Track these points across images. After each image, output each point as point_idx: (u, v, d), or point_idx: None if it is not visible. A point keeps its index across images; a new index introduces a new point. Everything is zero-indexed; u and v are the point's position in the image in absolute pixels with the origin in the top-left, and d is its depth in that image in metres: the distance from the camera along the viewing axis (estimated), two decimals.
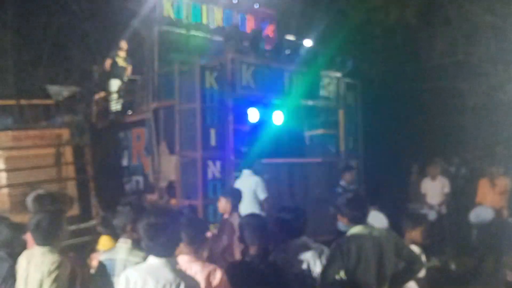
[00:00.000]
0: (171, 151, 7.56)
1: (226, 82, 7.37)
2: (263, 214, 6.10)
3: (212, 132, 7.19)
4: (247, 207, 6.02)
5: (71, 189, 8.14)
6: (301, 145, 9.40)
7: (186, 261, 3.28)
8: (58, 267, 3.26)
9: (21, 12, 14.46)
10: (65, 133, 8.45)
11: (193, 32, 9.64)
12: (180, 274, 2.66)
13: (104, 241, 4.31)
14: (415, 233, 4.16)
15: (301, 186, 8.30)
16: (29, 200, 5.79)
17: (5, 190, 7.74)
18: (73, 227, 5.88)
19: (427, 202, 8.40)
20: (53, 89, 11.37)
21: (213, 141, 7.18)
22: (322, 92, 8.80)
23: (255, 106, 8.87)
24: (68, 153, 8.33)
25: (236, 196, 5.27)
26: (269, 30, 10.46)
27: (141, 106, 8.84)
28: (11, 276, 3.70)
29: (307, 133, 9.42)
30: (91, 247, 4.26)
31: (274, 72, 8.05)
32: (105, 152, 8.98)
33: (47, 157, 8.08)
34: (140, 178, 8.63)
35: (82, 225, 7.08)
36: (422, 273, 4.09)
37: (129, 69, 10.31)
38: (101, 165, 8.72)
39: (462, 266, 7.81)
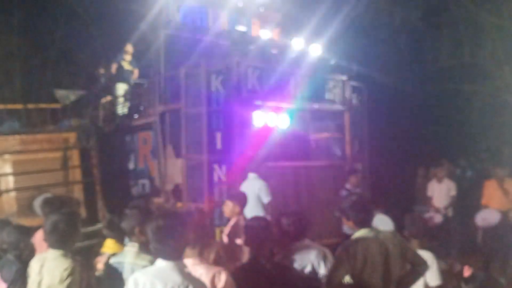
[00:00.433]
0: (177, 154, 7.59)
1: (232, 85, 7.39)
2: (267, 217, 6.11)
3: (218, 136, 7.21)
4: (251, 210, 6.04)
5: (78, 192, 8.20)
6: (307, 148, 9.39)
7: (190, 264, 3.29)
8: (71, 274, 3.27)
9: (28, 17, 14.56)
10: (72, 137, 8.51)
11: (199, 36, 9.69)
12: (188, 277, 2.67)
13: (109, 244, 4.33)
14: (416, 241, 4.15)
15: (307, 189, 8.29)
16: (38, 203, 5.83)
17: (13, 194, 7.81)
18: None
19: (434, 204, 8.38)
20: (60, 93, 11.46)
21: (219, 145, 7.21)
22: (328, 96, 8.80)
23: (261, 110, 8.90)
24: (74, 157, 8.39)
25: (242, 200, 5.29)
26: (275, 34, 10.47)
27: (148, 109, 8.87)
28: (19, 279, 3.73)
29: (313, 137, 9.41)
30: (97, 250, 4.28)
31: (279, 75, 8.06)
32: (111, 155, 9.03)
33: (54, 161, 8.14)
34: (146, 182, 8.66)
35: (89, 229, 7.11)
36: (437, 281, 4.07)
37: (136, 73, 10.36)
38: (108, 169, 8.77)
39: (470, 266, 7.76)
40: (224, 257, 4.56)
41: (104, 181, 8.55)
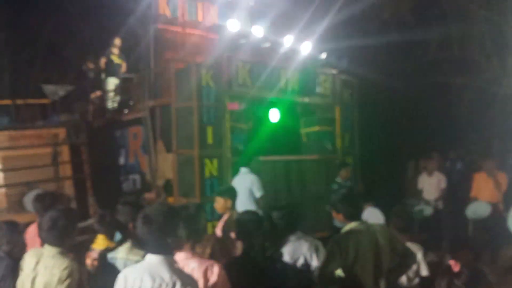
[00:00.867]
0: (168, 149, 7.56)
1: (223, 80, 7.37)
2: (259, 211, 6.12)
3: (209, 130, 7.19)
4: (243, 205, 6.04)
5: (68, 188, 8.16)
6: (298, 142, 9.41)
7: (183, 258, 3.29)
8: (71, 273, 3.25)
9: (16, 12, 14.40)
10: (62, 132, 8.47)
11: (189, 30, 9.65)
12: (176, 272, 2.65)
13: (99, 240, 4.32)
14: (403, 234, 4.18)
15: (298, 183, 8.32)
16: (30, 199, 5.79)
17: (2, 190, 7.76)
18: None
19: (424, 197, 8.44)
20: (48, 88, 11.34)
21: (210, 139, 7.19)
22: (318, 89, 8.81)
23: (252, 104, 8.90)
24: (64, 152, 8.35)
25: (232, 195, 5.29)
26: (265, 28, 10.46)
27: (138, 104, 8.83)
28: (10, 274, 3.71)
29: (304, 130, 9.43)
30: (87, 246, 4.26)
31: (270, 69, 8.05)
32: (101, 151, 8.98)
33: (44, 157, 8.10)
34: (137, 177, 8.63)
35: (80, 224, 7.08)
36: (425, 272, 4.14)
37: (124, 66, 10.29)
38: (98, 164, 8.72)
39: (458, 261, 7.85)
40: (220, 251, 4.57)
41: (94, 176, 8.52)
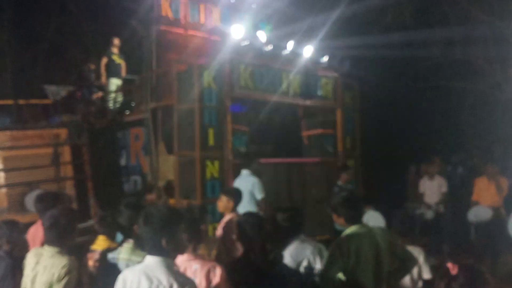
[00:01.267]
0: (169, 151, 7.56)
1: (225, 82, 7.38)
2: (261, 213, 6.12)
3: (211, 132, 7.19)
4: (244, 207, 6.02)
5: (69, 188, 8.15)
6: (299, 145, 9.42)
7: (185, 259, 3.30)
8: (69, 272, 3.26)
9: (19, 12, 14.43)
10: (63, 133, 8.46)
11: (191, 32, 9.66)
12: (174, 275, 2.61)
13: (100, 241, 4.32)
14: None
15: (299, 186, 8.32)
16: (31, 199, 5.79)
17: (4, 190, 7.76)
18: None
19: (425, 201, 8.43)
20: (50, 89, 11.38)
21: (211, 141, 7.19)
22: (320, 92, 8.82)
23: (253, 106, 8.91)
24: (66, 153, 8.34)
25: (237, 196, 5.29)
26: (267, 30, 10.47)
27: (139, 106, 8.84)
28: (9, 274, 3.71)
29: (305, 133, 9.43)
30: (88, 247, 4.27)
31: (272, 72, 8.06)
32: (103, 152, 8.98)
33: (45, 157, 8.09)
34: (138, 178, 8.63)
35: (81, 225, 7.08)
36: (428, 275, 4.13)
37: (124, 66, 10.29)
38: (99, 165, 8.72)
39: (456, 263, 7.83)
40: (225, 253, 4.58)
41: (95, 177, 8.51)
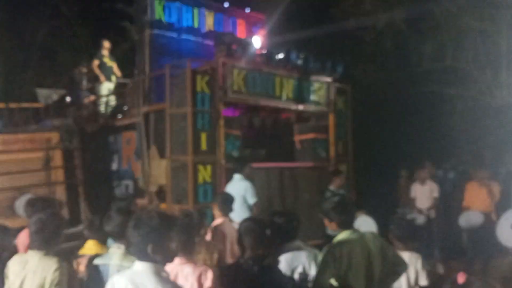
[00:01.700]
0: (162, 155, 7.54)
1: (217, 86, 7.38)
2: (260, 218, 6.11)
3: (203, 136, 7.18)
4: (237, 211, 6.01)
5: (60, 193, 8.10)
6: (292, 149, 9.43)
7: (177, 264, 3.29)
8: (61, 273, 3.24)
9: (10, 15, 14.35)
10: (55, 137, 8.41)
11: (184, 36, 9.67)
12: (162, 282, 2.57)
13: (89, 245, 4.30)
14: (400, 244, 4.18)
15: (291, 190, 8.32)
16: (21, 204, 5.74)
17: None
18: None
19: (417, 206, 8.47)
20: (42, 92, 11.31)
21: (203, 146, 7.17)
22: (313, 97, 8.84)
23: (246, 111, 8.91)
24: (57, 157, 8.29)
25: (225, 203, 5.28)
26: (260, 35, 10.50)
27: (132, 110, 8.80)
28: (3, 278, 3.68)
29: (297, 138, 9.44)
30: (77, 252, 4.24)
31: (265, 77, 8.07)
32: (94, 156, 8.93)
33: (36, 161, 8.03)
34: (130, 183, 8.58)
35: (71, 230, 7.04)
36: (424, 282, 4.13)
37: (115, 67, 10.25)
38: (91, 169, 8.67)
39: (451, 270, 7.87)
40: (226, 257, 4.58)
41: (87, 182, 8.46)
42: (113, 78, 10.15)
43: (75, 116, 9.56)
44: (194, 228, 3.93)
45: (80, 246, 4.39)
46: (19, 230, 4.81)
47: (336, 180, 7.55)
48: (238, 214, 6.02)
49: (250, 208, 6.33)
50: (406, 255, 3.99)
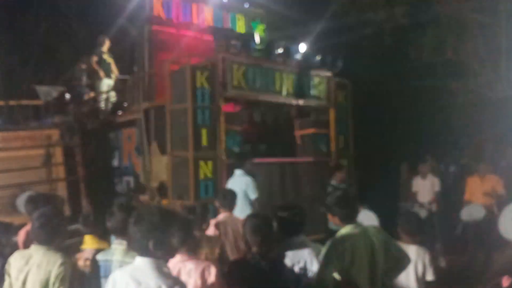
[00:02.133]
0: (162, 151, 7.53)
1: (217, 82, 7.36)
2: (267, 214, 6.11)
3: (204, 132, 7.17)
4: (238, 207, 6.01)
5: (61, 190, 8.12)
6: (292, 144, 9.41)
7: (179, 260, 3.28)
8: (66, 268, 3.25)
9: (9, 13, 14.31)
10: (55, 134, 8.43)
11: (183, 32, 9.64)
12: (163, 276, 2.56)
13: (88, 240, 4.32)
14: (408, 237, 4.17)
15: (293, 185, 8.31)
16: (22, 201, 5.75)
17: None
18: None
19: (418, 200, 8.46)
20: (41, 89, 11.30)
21: (204, 141, 7.16)
22: (313, 92, 8.82)
23: (246, 106, 8.90)
24: (58, 154, 8.31)
25: (225, 197, 5.29)
26: (259, 30, 10.46)
27: (132, 106, 8.80)
28: (4, 274, 3.68)
29: (298, 133, 9.43)
30: (77, 248, 4.26)
31: (265, 72, 8.05)
32: (95, 152, 8.93)
33: (37, 158, 8.05)
34: (131, 179, 8.59)
35: (72, 226, 7.04)
36: (431, 277, 4.13)
37: (113, 63, 10.23)
38: (92, 166, 8.68)
39: (452, 263, 7.89)
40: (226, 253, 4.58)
41: (88, 178, 8.47)
42: (112, 74, 10.14)
43: (75, 113, 9.56)
44: (196, 223, 3.92)
45: (79, 242, 4.41)
46: (20, 227, 4.82)
47: (337, 175, 7.55)
48: (240, 209, 6.02)
49: (251, 203, 6.32)
50: (413, 249, 3.99)
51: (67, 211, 7.54)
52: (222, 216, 5.16)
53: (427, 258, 4.13)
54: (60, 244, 3.49)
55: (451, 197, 8.76)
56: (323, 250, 3.44)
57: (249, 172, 6.56)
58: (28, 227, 4.47)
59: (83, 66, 10.63)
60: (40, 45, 14.93)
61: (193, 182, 6.96)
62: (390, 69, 12.91)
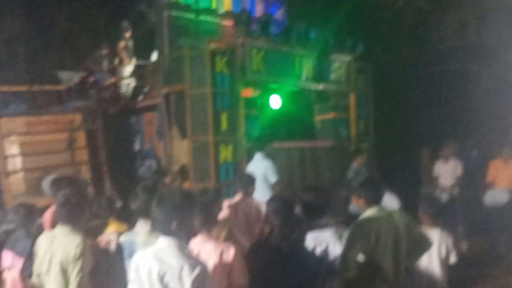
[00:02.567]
0: (183, 135, 7.59)
1: (237, 66, 7.36)
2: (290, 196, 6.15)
3: (223, 117, 7.21)
4: (258, 190, 6.05)
5: (85, 173, 8.26)
6: (312, 129, 9.40)
7: (199, 241, 3.33)
8: (84, 250, 3.31)
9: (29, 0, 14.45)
10: (78, 118, 8.55)
11: (202, 17, 9.62)
12: (184, 256, 2.62)
13: (111, 223, 4.41)
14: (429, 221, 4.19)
15: (312, 169, 8.33)
16: (46, 184, 5.88)
17: (21, 174, 7.87)
18: None
19: (440, 184, 8.38)
20: (63, 74, 11.43)
21: (224, 126, 7.21)
22: (333, 76, 8.77)
23: (266, 91, 8.89)
24: (81, 138, 8.44)
25: (240, 180, 5.31)
26: (279, 14, 10.39)
27: (152, 91, 8.86)
28: (31, 253, 3.80)
29: (318, 117, 9.40)
30: (101, 230, 4.35)
31: (284, 56, 8.02)
32: (117, 136, 9.05)
33: (61, 142, 8.19)
34: (152, 162, 8.69)
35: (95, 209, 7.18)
36: (454, 259, 4.14)
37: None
38: (114, 150, 8.80)
39: (475, 247, 7.83)
40: (235, 235, 4.62)
41: (110, 161, 8.60)
42: (133, 60, 10.20)
43: (97, 98, 9.67)
44: (212, 206, 3.97)
45: (105, 224, 4.49)
46: (45, 209, 4.94)
47: (358, 159, 7.52)
48: (260, 192, 6.06)
49: (272, 186, 6.34)
50: (436, 232, 4.00)
51: (91, 193, 7.68)
52: (235, 198, 5.19)
53: (450, 241, 4.14)
54: (84, 225, 3.57)
55: (473, 181, 8.65)
56: (348, 231, 3.46)
57: (269, 156, 6.58)
58: (53, 208, 4.58)
59: (104, 52, 10.71)
60: (60, 31, 15.05)
61: (213, 165, 7.03)
62: (411, 53, 12.73)
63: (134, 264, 2.71)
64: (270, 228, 3.48)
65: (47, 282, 3.40)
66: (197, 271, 2.55)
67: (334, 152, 8.65)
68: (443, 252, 4.10)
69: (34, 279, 3.53)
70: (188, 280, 2.53)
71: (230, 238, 3.95)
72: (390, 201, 5.85)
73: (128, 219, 4.40)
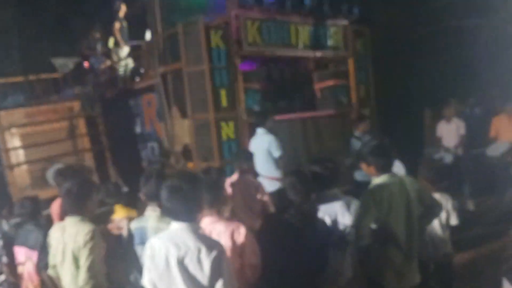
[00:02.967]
0: (183, 115, 7.54)
1: (232, 40, 7.25)
2: (280, 172, 6.13)
3: (223, 93, 7.14)
4: (263, 166, 6.04)
5: (89, 160, 8.26)
6: (312, 98, 9.31)
7: (209, 223, 3.33)
8: (93, 237, 3.34)
9: None
10: (76, 105, 8.51)
11: None
12: (201, 238, 2.64)
13: (118, 209, 4.41)
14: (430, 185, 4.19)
15: (315, 140, 8.28)
16: (51, 174, 5.89)
17: (24, 167, 7.88)
18: None
19: (443, 145, 8.35)
20: (58, 61, 11.33)
21: (224, 102, 7.15)
22: (330, 42, 8.63)
23: (264, 62, 8.78)
24: (81, 125, 8.41)
25: (236, 157, 5.30)
26: None
27: (149, 71, 8.76)
28: (44, 244, 3.83)
29: (317, 86, 9.30)
30: (108, 217, 4.36)
31: (279, 25, 7.89)
32: (117, 121, 9.00)
33: (62, 131, 8.17)
34: (155, 144, 8.66)
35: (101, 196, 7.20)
36: (455, 221, 4.16)
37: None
38: (115, 134, 8.77)
39: (481, 206, 7.87)
40: (239, 214, 4.62)
41: (113, 147, 8.58)
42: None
43: (93, 82, 9.59)
44: (218, 185, 3.95)
45: (111, 211, 4.50)
46: (52, 200, 4.95)
47: (360, 125, 7.45)
48: (265, 168, 6.06)
49: (276, 161, 6.29)
50: (436, 196, 3.99)
51: (95, 180, 7.70)
52: (233, 176, 5.18)
53: (449, 204, 4.15)
54: (92, 214, 3.58)
55: (477, 139, 8.61)
56: (360, 199, 3.44)
57: (271, 130, 6.52)
58: (60, 200, 4.59)
59: (97, 35, 10.56)
60: (52, 17, 14.84)
61: (216, 143, 7.00)
62: (409, 12, 12.50)
63: (148, 251, 2.70)
64: (281, 205, 3.49)
65: (63, 273, 3.44)
66: (215, 252, 2.57)
67: (336, 120, 8.58)
68: (443, 216, 4.12)
69: (50, 271, 3.57)
70: (207, 261, 2.55)
71: (233, 216, 3.97)
72: (396, 167, 5.84)
73: (134, 205, 4.41)
